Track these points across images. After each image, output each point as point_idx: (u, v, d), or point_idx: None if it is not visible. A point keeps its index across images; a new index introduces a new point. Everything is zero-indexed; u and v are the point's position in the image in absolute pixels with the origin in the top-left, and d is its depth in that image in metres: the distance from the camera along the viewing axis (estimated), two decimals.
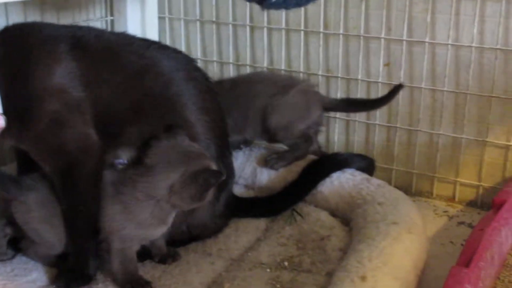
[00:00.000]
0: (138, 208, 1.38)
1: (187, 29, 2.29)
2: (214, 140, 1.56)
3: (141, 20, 2.20)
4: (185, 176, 1.35)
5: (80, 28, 1.57)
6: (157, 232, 1.43)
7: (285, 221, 1.72)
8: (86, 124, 1.42)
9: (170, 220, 1.42)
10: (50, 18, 2.02)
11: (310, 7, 2.01)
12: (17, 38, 1.44)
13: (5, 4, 1.85)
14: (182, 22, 2.28)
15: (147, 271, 1.49)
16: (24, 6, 1.93)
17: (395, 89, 1.84)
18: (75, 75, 1.42)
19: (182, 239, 1.58)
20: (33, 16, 1.95)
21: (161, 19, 2.29)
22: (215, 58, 2.25)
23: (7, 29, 1.47)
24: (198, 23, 2.25)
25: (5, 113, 1.37)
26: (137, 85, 1.48)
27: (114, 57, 1.49)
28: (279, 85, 1.88)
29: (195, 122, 1.53)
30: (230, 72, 2.21)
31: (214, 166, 1.39)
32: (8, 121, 1.38)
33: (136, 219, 1.38)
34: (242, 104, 1.85)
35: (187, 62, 1.59)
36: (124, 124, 1.46)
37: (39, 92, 1.39)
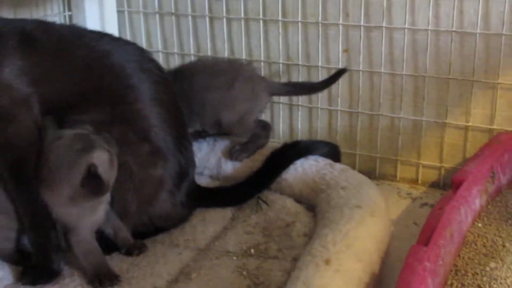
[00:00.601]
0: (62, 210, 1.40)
1: (146, 22, 2.28)
2: (169, 131, 1.56)
3: (99, 14, 2.19)
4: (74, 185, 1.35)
5: (29, 22, 1.54)
6: (95, 222, 1.43)
7: (251, 210, 1.73)
8: (35, 119, 1.41)
9: (101, 209, 1.42)
10: (7, 13, 1.98)
11: None
12: None
13: None
14: (141, 15, 2.27)
15: (115, 264, 1.48)
16: None
17: (339, 72, 1.87)
18: (24, 70, 1.40)
19: (147, 230, 1.59)
20: None
21: (120, 12, 2.28)
22: (176, 50, 2.24)
23: None
24: (157, 16, 2.24)
25: None
26: (88, 78, 1.48)
27: (64, 50, 1.48)
28: (222, 77, 1.85)
29: (149, 113, 1.53)
30: None
31: (94, 158, 1.35)
32: None
33: (67, 215, 1.40)
34: (186, 98, 1.80)
35: (139, 53, 1.58)
36: (75, 117, 1.44)
37: None
